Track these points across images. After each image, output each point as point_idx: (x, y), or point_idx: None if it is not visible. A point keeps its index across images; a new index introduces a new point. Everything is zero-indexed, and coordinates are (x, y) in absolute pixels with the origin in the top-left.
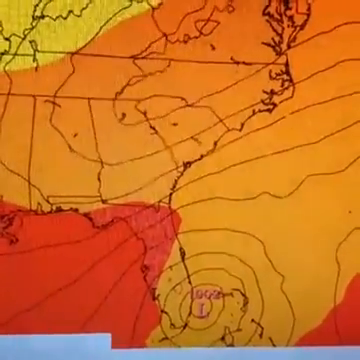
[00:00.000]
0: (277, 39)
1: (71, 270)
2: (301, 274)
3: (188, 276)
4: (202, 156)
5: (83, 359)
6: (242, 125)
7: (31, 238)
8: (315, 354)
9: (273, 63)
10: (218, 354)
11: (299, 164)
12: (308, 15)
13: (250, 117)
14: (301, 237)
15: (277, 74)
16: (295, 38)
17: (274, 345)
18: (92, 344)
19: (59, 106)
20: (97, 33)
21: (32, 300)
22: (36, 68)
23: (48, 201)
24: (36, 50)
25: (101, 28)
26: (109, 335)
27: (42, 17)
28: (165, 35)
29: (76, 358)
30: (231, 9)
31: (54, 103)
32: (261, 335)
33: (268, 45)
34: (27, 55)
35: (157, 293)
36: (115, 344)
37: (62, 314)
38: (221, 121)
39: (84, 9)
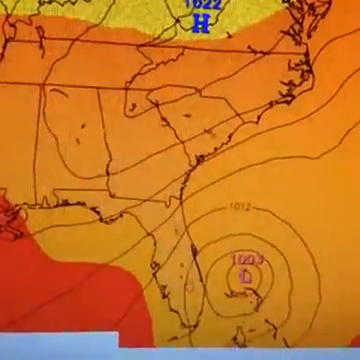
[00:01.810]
0: (297, 28)
1: (77, 267)
2: None
3: (200, 274)
4: (216, 149)
5: (89, 358)
6: (258, 117)
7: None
8: (332, 355)
9: (292, 53)
10: (229, 354)
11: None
12: (329, 3)
13: (267, 109)
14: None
15: (296, 64)
16: (316, 27)
17: (288, 346)
18: (99, 343)
19: (67, 96)
20: (107, 19)
21: (39, 299)
22: (42, 55)
23: (54, 194)
24: (42, 37)
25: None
26: (116, 333)
27: (49, 2)
28: (178, 21)
29: (82, 357)
30: None
31: (61, 92)
32: (275, 336)
33: (287, 34)
34: (33, 42)
35: (167, 291)
36: (123, 343)
37: (68, 312)
38: (238, 115)
39: None
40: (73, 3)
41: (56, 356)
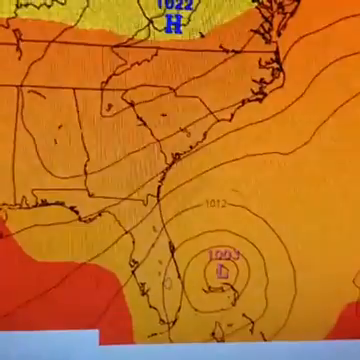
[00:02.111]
0: (266, 26)
1: (57, 266)
2: None
3: (178, 270)
4: (191, 147)
5: (70, 356)
6: (232, 115)
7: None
8: (308, 349)
9: (262, 51)
10: (208, 350)
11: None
12: (298, 1)
13: (240, 107)
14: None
15: (267, 63)
16: (285, 25)
17: (265, 340)
18: (79, 341)
19: (44, 97)
20: (82, 21)
21: (19, 298)
22: (19, 57)
23: (33, 194)
24: (20, 39)
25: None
26: (97, 331)
27: (26, 5)
28: (151, 22)
29: (63, 355)
30: None
31: (38, 93)
32: (252, 330)
33: (257, 32)
34: (10, 44)
35: (146, 288)
36: (103, 340)
37: (48, 311)
38: (212, 113)
39: None
40: (49, 6)
41: (37, 354)
